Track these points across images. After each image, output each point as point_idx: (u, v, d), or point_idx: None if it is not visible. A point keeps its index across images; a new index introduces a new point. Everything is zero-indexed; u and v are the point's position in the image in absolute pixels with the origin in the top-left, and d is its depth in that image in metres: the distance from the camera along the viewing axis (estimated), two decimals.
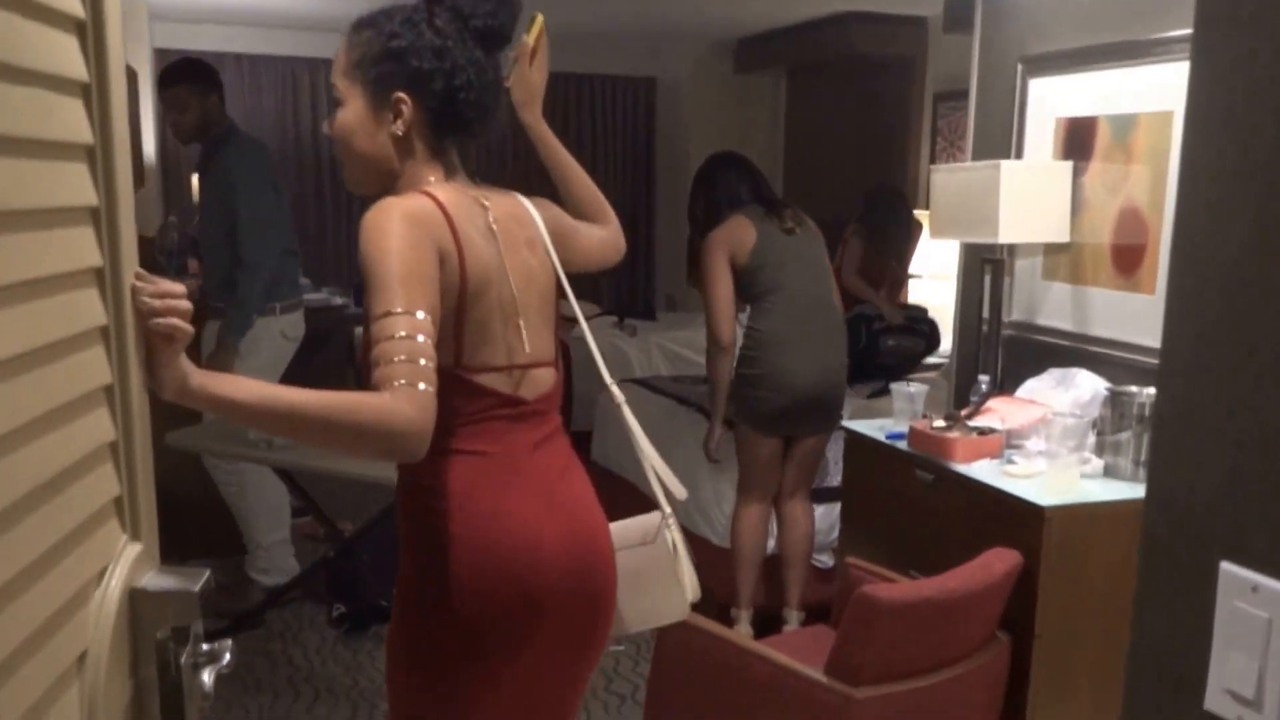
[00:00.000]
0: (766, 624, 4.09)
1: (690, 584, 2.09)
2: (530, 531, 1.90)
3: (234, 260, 4.25)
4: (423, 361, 1.65)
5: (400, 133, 1.92)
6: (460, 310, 1.84)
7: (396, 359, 1.64)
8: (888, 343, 5.49)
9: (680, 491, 2.09)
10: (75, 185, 1.06)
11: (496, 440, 1.92)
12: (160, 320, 1.27)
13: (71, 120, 1.06)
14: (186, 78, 4.39)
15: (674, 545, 2.08)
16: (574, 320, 2.32)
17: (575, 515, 1.99)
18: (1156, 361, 1.07)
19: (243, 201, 4.25)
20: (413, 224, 1.76)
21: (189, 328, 1.32)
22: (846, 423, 3.79)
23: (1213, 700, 1.01)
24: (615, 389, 2.15)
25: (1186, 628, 1.04)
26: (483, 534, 1.88)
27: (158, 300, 1.25)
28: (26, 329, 0.93)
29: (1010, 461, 3.09)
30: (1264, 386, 0.96)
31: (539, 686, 2.00)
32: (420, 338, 1.67)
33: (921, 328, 5.65)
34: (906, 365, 5.48)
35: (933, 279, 6.16)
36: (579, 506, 2.02)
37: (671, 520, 2.10)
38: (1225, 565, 0.99)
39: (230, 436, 4.09)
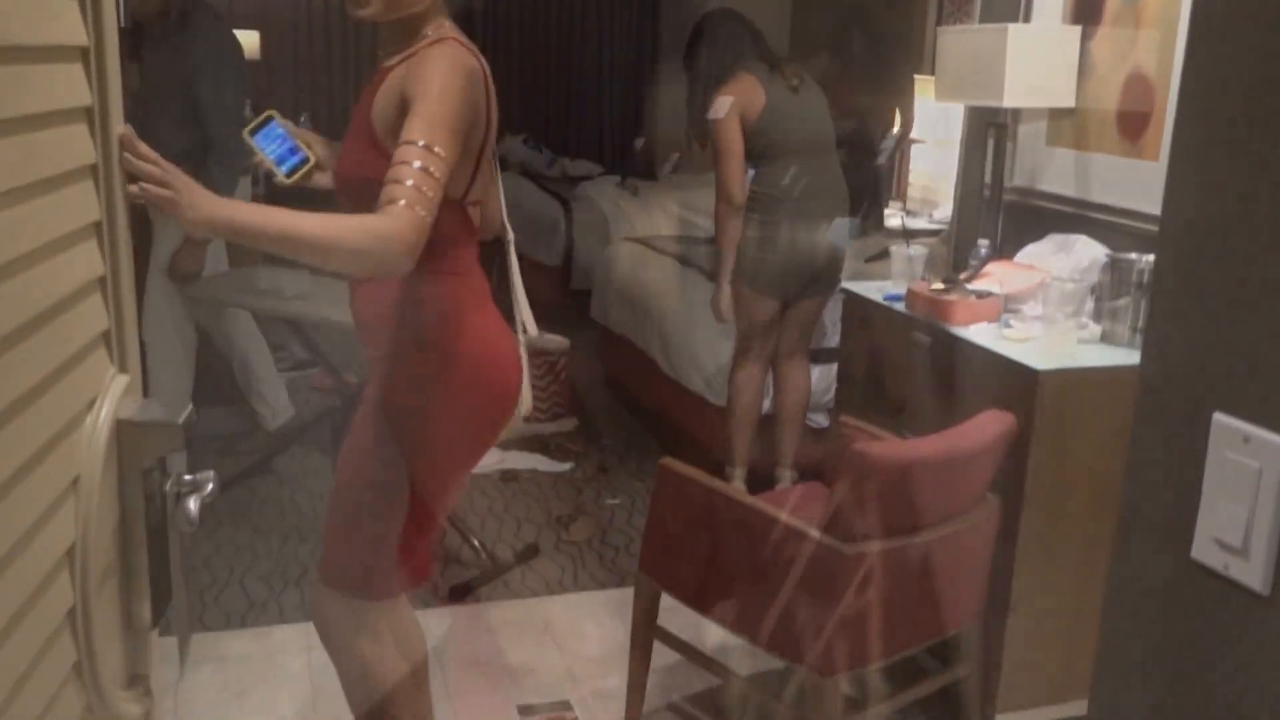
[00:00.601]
0: (760, 483, 4.14)
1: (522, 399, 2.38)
2: (505, 340, 2.30)
3: (189, 143, 4.05)
4: (428, 191, 1.90)
5: None
6: (480, 154, 2.14)
7: (408, 182, 1.89)
8: None
9: (533, 330, 2.42)
10: (67, 24, 1.06)
11: (471, 263, 2.24)
12: (135, 190, 1.42)
13: None
14: None
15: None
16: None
17: (508, 327, 2.35)
18: (1157, 228, 1.07)
19: (207, 93, 4.08)
20: (469, 83, 2.04)
21: (173, 196, 1.60)
22: (845, 284, 3.79)
23: (1200, 550, 1.02)
24: (509, 229, 2.44)
25: (1178, 479, 1.05)
26: (482, 341, 2.23)
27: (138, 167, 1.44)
28: (19, 164, 0.94)
29: (1007, 325, 3.09)
30: (1261, 242, 0.95)
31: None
32: (434, 171, 1.92)
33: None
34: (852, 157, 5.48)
35: (937, 145, 6.09)
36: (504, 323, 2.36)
37: (521, 349, 2.39)
38: (1218, 416, 1.00)
39: (242, 290, 4.15)
